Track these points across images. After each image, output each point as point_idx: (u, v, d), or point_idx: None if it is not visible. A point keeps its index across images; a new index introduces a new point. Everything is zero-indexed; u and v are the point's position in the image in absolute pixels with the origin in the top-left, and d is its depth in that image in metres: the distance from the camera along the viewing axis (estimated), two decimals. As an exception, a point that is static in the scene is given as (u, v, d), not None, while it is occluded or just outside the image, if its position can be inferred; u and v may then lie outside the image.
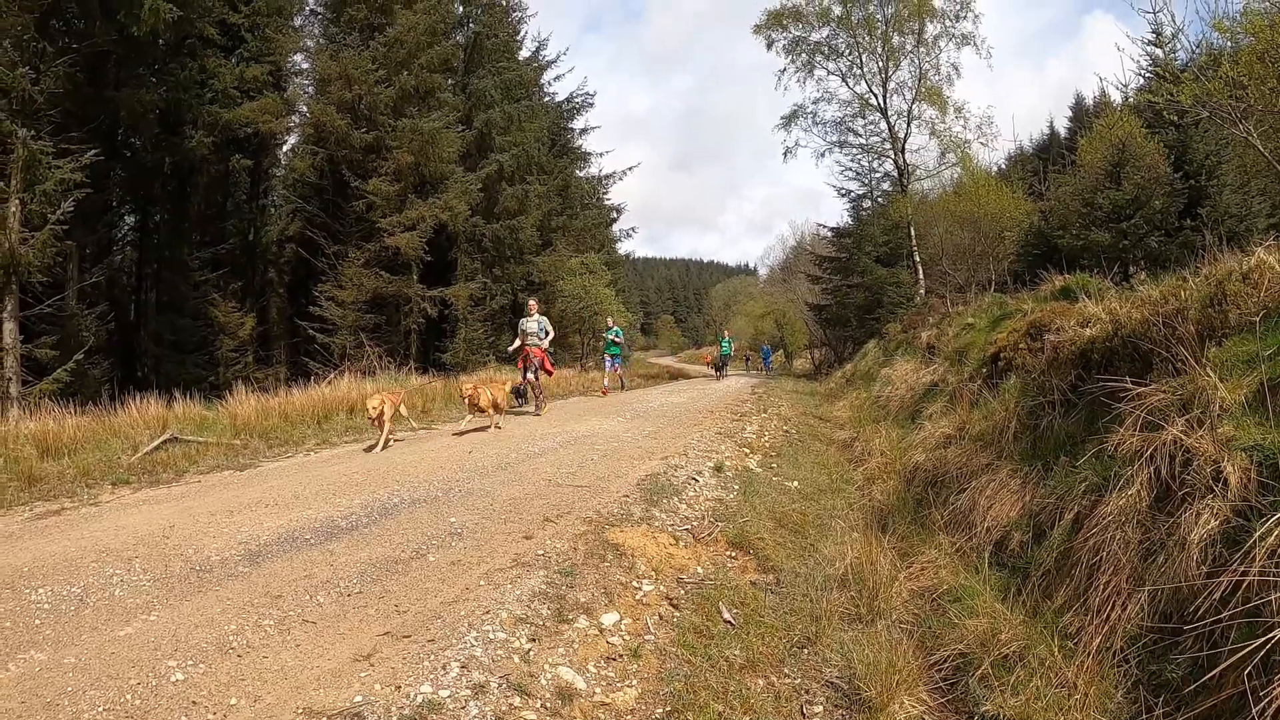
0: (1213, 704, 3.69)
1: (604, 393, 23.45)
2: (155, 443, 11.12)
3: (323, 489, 8.58)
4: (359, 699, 3.81)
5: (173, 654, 4.26)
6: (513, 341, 17.77)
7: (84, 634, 4.55)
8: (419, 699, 3.83)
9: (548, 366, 18.06)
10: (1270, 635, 3.50)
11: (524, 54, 39.38)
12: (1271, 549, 3.81)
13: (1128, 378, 5.91)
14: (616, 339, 25.38)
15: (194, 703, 3.77)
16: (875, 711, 4.34)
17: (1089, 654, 4.52)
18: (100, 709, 3.69)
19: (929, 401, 12.69)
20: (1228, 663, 3.66)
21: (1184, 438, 4.96)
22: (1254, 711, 3.36)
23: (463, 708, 3.83)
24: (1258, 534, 3.92)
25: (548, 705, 4.03)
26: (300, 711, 3.69)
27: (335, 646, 4.41)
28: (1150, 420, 5.38)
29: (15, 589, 5.25)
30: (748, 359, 62.14)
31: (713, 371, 49.07)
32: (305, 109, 30.55)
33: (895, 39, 33.47)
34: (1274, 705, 3.33)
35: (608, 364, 25.28)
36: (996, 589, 5.79)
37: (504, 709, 3.89)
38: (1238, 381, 5.06)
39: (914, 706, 4.56)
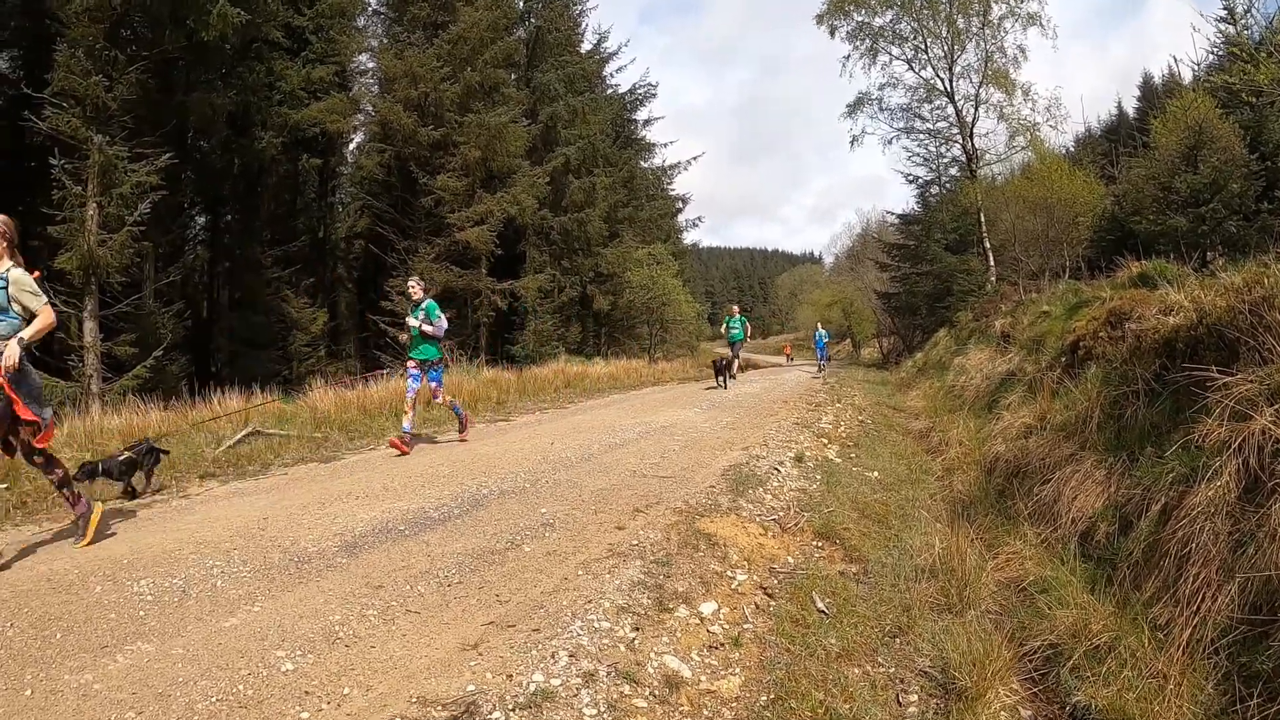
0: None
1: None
2: (238, 436, 11.42)
3: (410, 481, 8.78)
4: (471, 688, 3.91)
5: (280, 644, 4.38)
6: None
7: (189, 625, 4.67)
8: (532, 687, 3.94)
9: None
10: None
11: (585, 47, 39.59)
12: None
13: (1214, 367, 5.87)
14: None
15: (306, 692, 3.87)
16: (971, 700, 4.40)
17: (1179, 645, 4.52)
18: (213, 699, 3.78)
19: (1006, 391, 12.59)
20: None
21: (1274, 428, 4.95)
22: None
23: (575, 695, 3.93)
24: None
25: (656, 693, 4.14)
26: (414, 700, 3.79)
27: (441, 636, 4.53)
28: (1238, 410, 5.35)
29: (117, 580, 5.40)
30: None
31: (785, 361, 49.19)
32: (371, 108, 31.04)
33: (960, 21, 33.09)
34: None
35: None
36: (1084, 580, 5.81)
37: (615, 696, 4.00)
38: (1329, 371, 5.02)
39: (1008, 696, 4.63)
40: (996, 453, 9.81)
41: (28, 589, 5.27)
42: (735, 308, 27.66)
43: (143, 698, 3.80)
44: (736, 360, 25.72)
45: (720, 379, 22.62)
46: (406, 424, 10.93)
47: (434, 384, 11.36)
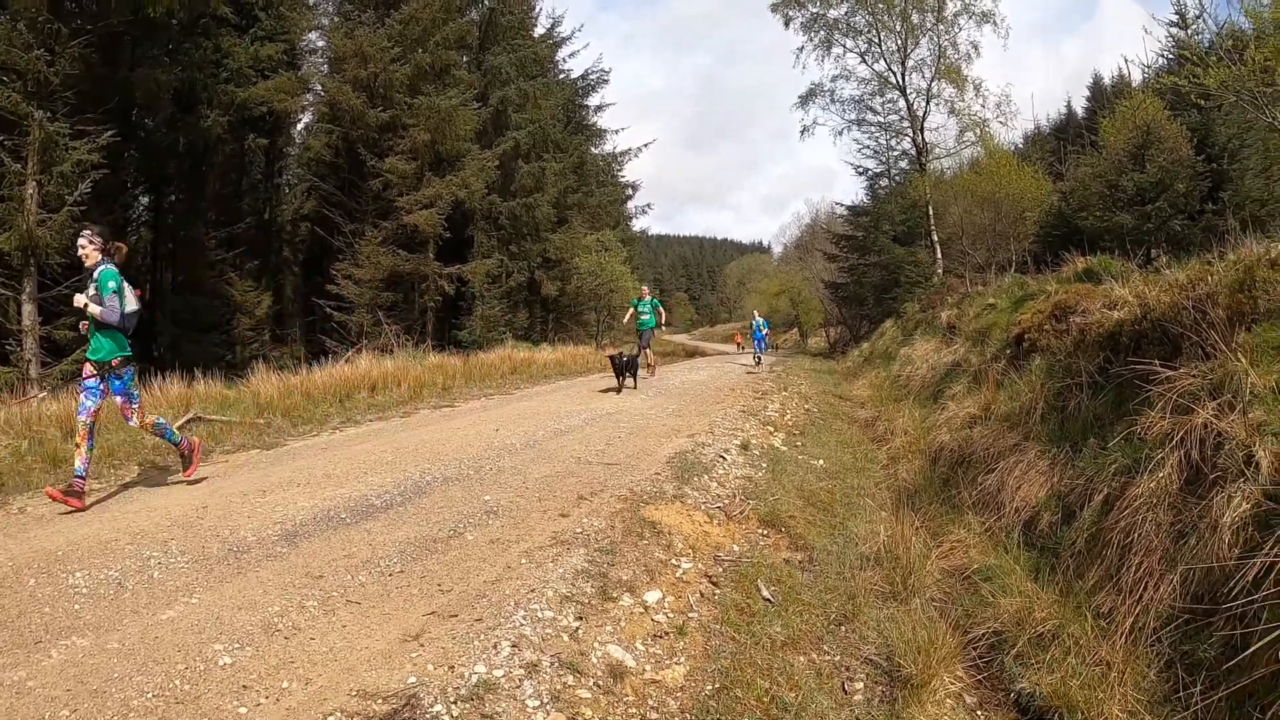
0: (1246, 683, 3.76)
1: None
2: (179, 422, 11.14)
3: (353, 468, 8.64)
4: (412, 680, 3.85)
5: (218, 637, 4.28)
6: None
7: (125, 618, 4.56)
8: (474, 679, 3.88)
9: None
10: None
11: (539, 31, 39.20)
12: None
13: (1157, 361, 5.97)
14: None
15: (244, 686, 3.78)
16: (917, 688, 4.42)
17: (1122, 633, 4.60)
18: (149, 694, 3.69)
19: (951, 381, 12.72)
20: (1261, 643, 3.73)
21: (1215, 421, 5.03)
22: None
23: (518, 687, 3.89)
24: (1292, 517, 3.99)
25: (600, 683, 4.10)
26: (354, 693, 3.73)
27: (382, 627, 4.45)
28: (1180, 404, 5.44)
29: (51, 574, 5.26)
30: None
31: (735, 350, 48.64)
32: (320, 87, 30.49)
33: (914, 16, 33.38)
34: None
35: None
36: (1027, 568, 5.88)
37: (558, 687, 3.96)
38: (1268, 367, 5.11)
39: (953, 683, 4.66)
40: (941, 442, 9.89)
41: None
42: (645, 289, 22.26)
43: (77, 695, 3.70)
44: (646, 352, 19.70)
45: (622, 379, 16.61)
46: (80, 464, 7.10)
47: (120, 399, 7.54)
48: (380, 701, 3.67)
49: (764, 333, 31.88)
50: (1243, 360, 5.19)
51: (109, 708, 3.59)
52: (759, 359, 29.69)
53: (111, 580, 5.14)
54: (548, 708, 3.79)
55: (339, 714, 3.57)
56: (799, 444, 11.25)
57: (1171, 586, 4.63)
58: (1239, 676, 3.83)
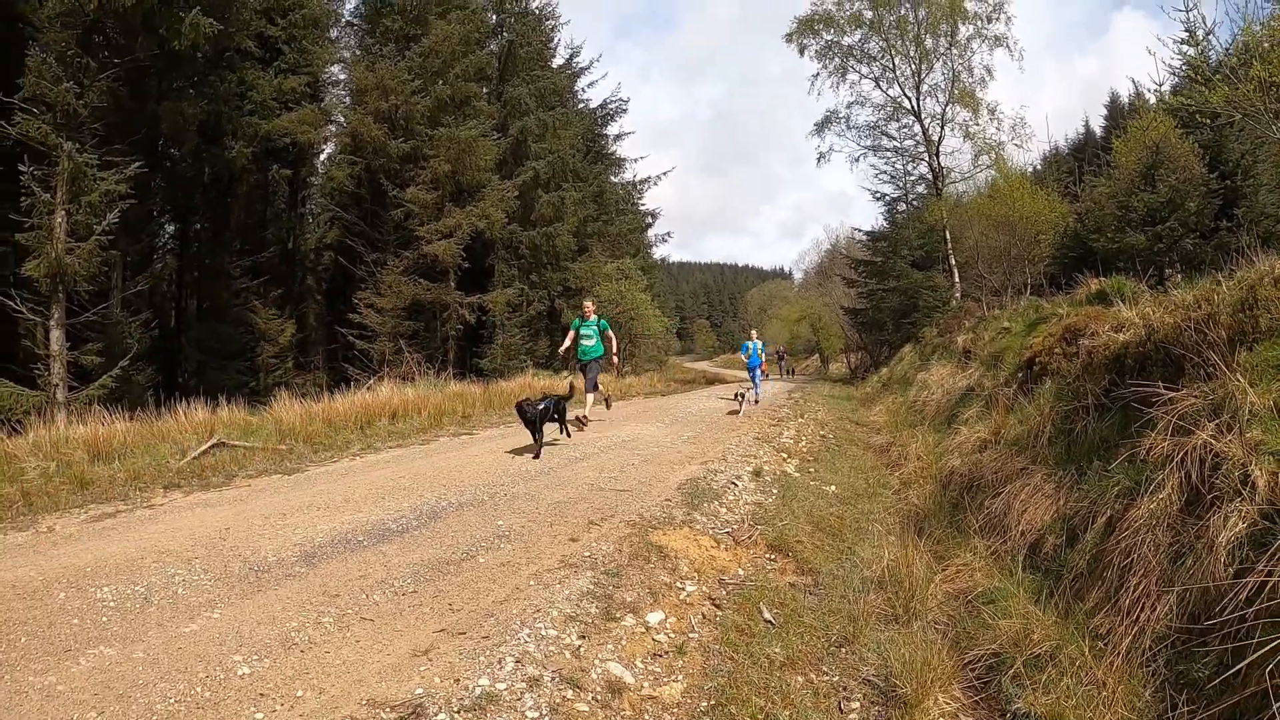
0: (1236, 701, 3.82)
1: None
2: (203, 447, 11.37)
3: (371, 493, 8.81)
4: (419, 691, 4.01)
5: (238, 649, 4.48)
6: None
7: (150, 630, 4.76)
8: (477, 691, 4.04)
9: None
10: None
11: (557, 61, 39.43)
12: None
13: (1160, 383, 6.01)
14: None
15: (261, 695, 3.97)
16: (910, 708, 4.50)
17: (1119, 654, 4.65)
18: (171, 700, 3.89)
19: (965, 406, 12.75)
20: (1252, 658, 3.78)
21: (1214, 442, 5.07)
22: (1275, 708, 3.49)
23: (519, 699, 4.04)
24: (1284, 536, 4.04)
25: (598, 698, 4.24)
26: (364, 703, 3.89)
27: (394, 642, 4.62)
28: (1181, 425, 5.49)
29: (80, 587, 5.47)
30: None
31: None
32: (342, 119, 30.84)
33: (928, 41, 33.57)
34: None
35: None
36: (1030, 591, 5.91)
37: (558, 700, 4.10)
38: (1267, 386, 5.15)
39: (948, 703, 4.72)
40: (952, 467, 9.94)
41: None
42: (589, 305, 16.66)
43: (104, 699, 3.89)
44: (593, 394, 15.33)
45: (537, 435, 11.32)
46: None
47: None
48: (388, 710, 3.82)
49: (761, 359, 22.01)
50: (1242, 380, 5.25)
51: (133, 711, 3.78)
52: (752, 396, 20.08)
53: (138, 595, 5.34)
54: (546, 719, 3.93)
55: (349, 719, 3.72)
56: (812, 470, 11.31)
57: (1168, 607, 4.68)
58: (1229, 695, 3.88)
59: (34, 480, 9.26)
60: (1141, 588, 4.96)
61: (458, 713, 3.85)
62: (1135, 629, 4.75)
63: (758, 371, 21.94)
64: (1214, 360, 5.64)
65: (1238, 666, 3.87)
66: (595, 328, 15.83)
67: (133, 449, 11.03)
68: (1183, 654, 4.38)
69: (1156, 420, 5.77)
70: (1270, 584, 3.97)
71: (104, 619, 4.93)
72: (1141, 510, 5.41)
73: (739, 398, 18.53)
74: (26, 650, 4.45)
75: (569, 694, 4.19)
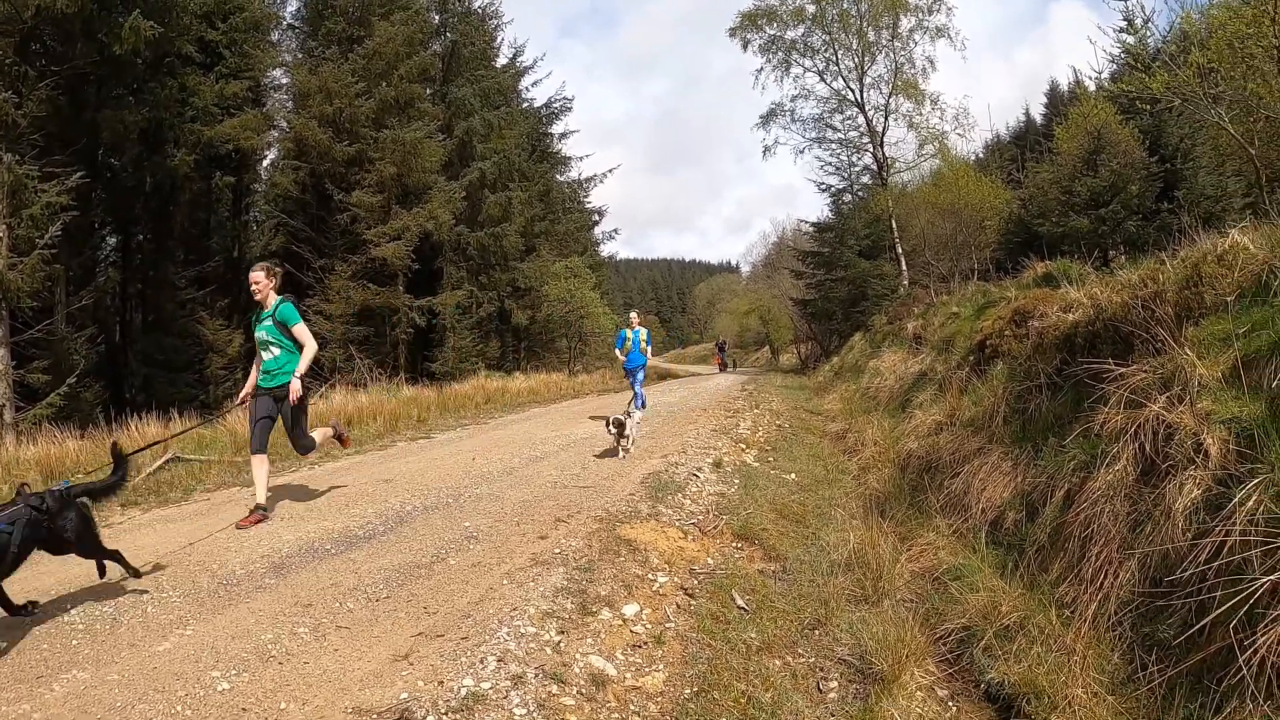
0: (1202, 657, 3.96)
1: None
2: (158, 463, 11.18)
3: (335, 501, 8.78)
4: (405, 695, 3.98)
5: (215, 665, 4.38)
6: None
7: (123, 651, 4.65)
8: (463, 692, 4.02)
9: None
10: (1252, 589, 3.74)
11: (501, 61, 39.38)
12: (1250, 513, 4.07)
13: (1110, 359, 6.18)
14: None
15: (244, 709, 3.89)
16: (888, 683, 4.58)
17: (1085, 620, 4.79)
18: None
19: (918, 390, 12.93)
20: (1214, 615, 3.93)
21: (1165, 414, 5.22)
22: (1240, 661, 3.61)
23: (505, 697, 4.03)
24: (1237, 499, 4.19)
25: (583, 691, 4.26)
26: (350, 711, 3.85)
27: (372, 649, 4.58)
28: (1133, 399, 5.63)
29: (46, 612, 5.33)
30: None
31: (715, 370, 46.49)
32: (285, 124, 30.43)
33: (870, 34, 33.77)
34: (1259, 655, 3.59)
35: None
36: (994, 566, 6.06)
37: (544, 696, 4.10)
38: (1215, 359, 5.32)
39: (923, 677, 4.83)
40: (909, 450, 10.09)
41: None
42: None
43: None
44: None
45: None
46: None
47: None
48: (375, 717, 3.79)
49: (646, 355, 15.96)
50: (1190, 353, 5.40)
51: None
52: (634, 418, 11.77)
53: (106, 616, 5.23)
54: (534, 715, 3.93)
55: None
56: (771, 459, 11.42)
57: (1130, 573, 4.82)
58: (1195, 652, 4.01)
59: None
60: (1103, 556, 5.10)
61: (445, 714, 3.84)
62: (1100, 595, 4.89)
63: (639, 376, 15.78)
64: (1162, 336, 5.80)
65: (1201, 624, 4.01)
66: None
67: (85, 468, 10.81)
68: (1147, 616, 4.52)
69: (1109, 395, 5.93)
70: (1227, 544, 4.10)
71: (74, 642, 4.81)
72: (1099, 482, 5.56)
73: (613, 426, 11.03)
74: None
75: (554, 689, 4.19)
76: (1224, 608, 3.85)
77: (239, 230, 32.97)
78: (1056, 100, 52.49)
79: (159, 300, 27.60)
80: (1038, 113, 59.06)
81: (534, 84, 47.36)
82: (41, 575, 6.28)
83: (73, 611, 5.32)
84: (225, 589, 5.74)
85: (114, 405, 20.38)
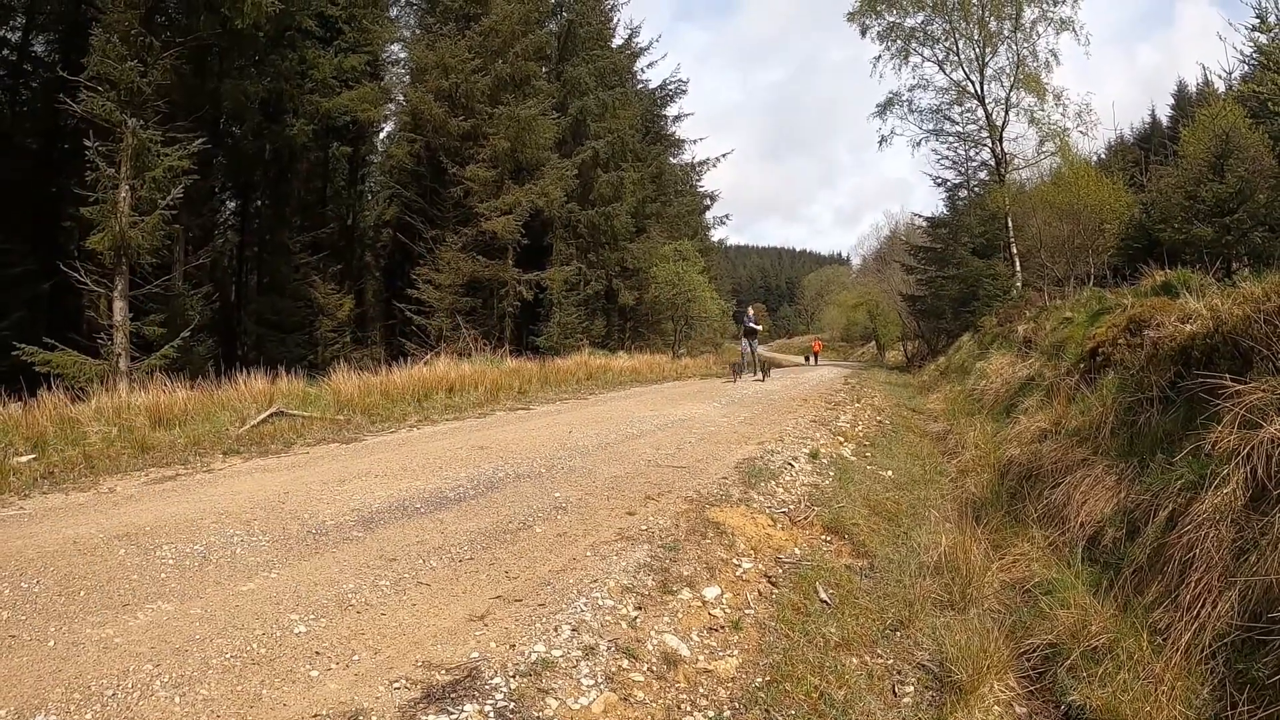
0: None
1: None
2: (262, 416, 11.59)
3: (429, 462, 8.94)
4: (475, 655, 4.07)
5: (294, 608, 4.55)
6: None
7: (208, 588, 4.86)
8: (534, 657, 4.09)
9: None
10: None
11: (616, 41, 39.48)
12: None
13: (1227, 375, 5.89)
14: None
15: (317, 653, 4.03)
16: (965, 694, 4.48)
17: (1178, 649, 4.57)
18: (227, 655, 3.96)
19: (1024, 395, 12.62)
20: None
21: (1281, 437, 4.98)
22: None
23: (574, 666, 4.09)
24: (1351, 534, 3.98)
25: (654, 669, 4.28)
26: (419, 664, 3.95)
27: (450, 607, 4.68)
28: (1248, 418, 5.38)
29: (140, 545, 5.60)
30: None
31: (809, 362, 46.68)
32: (402, 97, 31.15)
33: (992, 24, 32.84)
34: None
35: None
36: (1088, 583, 5.86)
37: (613, 669, 4.14)
38: (1339, 382, 5.04)
39: (1003, 691, 4.70)
40: (1010, 456, 9.84)
41: (54, 550, 5.47)
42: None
43: (160, 652, 3.97)
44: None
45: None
46: None
47: None
48: (443, 672, 3.88)
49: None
50: (1312, 375, 5.15)
51: (189, 664, 3.86)
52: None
53: (196, 554, 5.46)
54: (601, 687, 3.98)
55: (404, 681, 3.79)
56: (868, 455, 11.28)
57: (1229, 604, 4.61)
58: (1293, 691, 3.84)
59: (96, 444, 9.48)
60: (1203, 583, 4.89)
61: (513, 677, 3.90)
62: (1195, 625, 4.68)
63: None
64: (1286, 353, 5.54)
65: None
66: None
67: (193, 416, 11.25)
68: (1243, 652, 4.31)
69: (1223, 413, 5.66)
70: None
71: (162, 576, 5.03)
72: (1205, 504, 5.32)
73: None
74: (86, 604, 4.56)
75: (624, 663, 4.23)
76: None
77: (354, 199, 33.98)
78: (1184, 102, 50.52)
79: (274, 263, 28.69)
80: (1164, 114, 57.20)
81: (649, 65, 47.44)
82: (140, 512, 6.60)
83: (165, 548, 5.55)
84: (314, 538, 5.94)
85: (225, 361, 21.07)
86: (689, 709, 4.06)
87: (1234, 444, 5.37)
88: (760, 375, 23.63)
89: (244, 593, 4.80)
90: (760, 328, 25.85)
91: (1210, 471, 5.49)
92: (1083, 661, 4.83)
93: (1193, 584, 4.93)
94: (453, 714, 3.56)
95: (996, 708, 4.54)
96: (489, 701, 3.69)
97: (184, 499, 7.17)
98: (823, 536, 7.14)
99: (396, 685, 3.76)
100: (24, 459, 8.62)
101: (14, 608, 4.47)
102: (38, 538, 5.80)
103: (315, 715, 3.50)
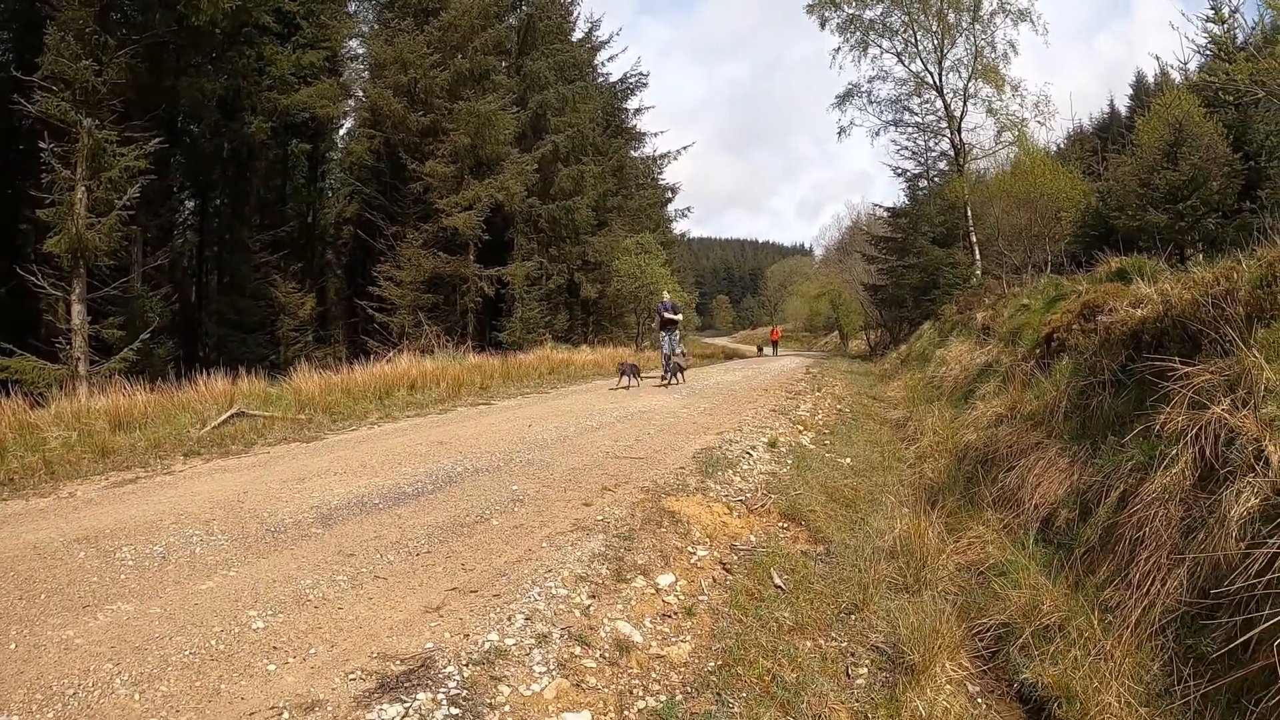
0: (1242, 675, 3.84)
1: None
2: (223, 417, 11.51)
3: (388, 459, 8.95)
4: (429, 645, 4.14)
5: (253, 605, 4.60)
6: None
7: (167, 588, 4.90)
8: (486, 645, 4.16)
9: None
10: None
11: (577, 35, 39.41)
12: None
13: (1177, 358, 5.97)
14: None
15: (274, 648, 4.10)
16: (917, 674, 4.53)
17: (1128, 626, 4.64)
18: (186, 652, 4.02)
19: (982, 381, 12.77)
20: (1262, 629, 3.79)
21: (1228, 417, 5.05)
22: None
23: (527, 654, 4.15)
24: (1295, 510, 4.04)
25: (606, 655, 4.34)
26: (375, 656, 4.02)
27: (406, 600, 4.74)
28: (1196, 400, 5.45)
29: (100, 548, 5.63)
30: None
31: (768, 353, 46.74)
32: (361, 93, 30.99)
33: (950, 15, 33.05)
34: None
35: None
36: (1041, 564, 5.94)
37: (565, 656, 4.21)
38: (1285, 363, 5.11)
39: (955, 671, 4.76)
40: (967, 441, 9.95)
41: (14, 555, 5.49)
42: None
43: (120, 651, 4.02)
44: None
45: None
46: None
47: None
48: (398, 663, 3.95)
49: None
50: (1259, 356, 5.21)
51: (149, 661, 3.91)
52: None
53: (156, 555, 5.49)
54: (554, 673, 4.04)
55: (359, 673, 3.85)
56: (828, 443, 11.38)
57: (1178, 581, 4.68)
58: (1237, 669, 3.89)
59: (56, 449, 9.41)
60: (1152, 561, 4.96)
61: (466, 665, 3.97)
62: (1145, 602, 4.75)
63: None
64: (1231, 336, 5.61)
65: (1246, 637, 3.88)
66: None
67: (153, 419, 11.15)
68: (1191, 628, 4.38)
69: (1172, 395, 5.73)
70: (1280, 558, 3.97)
71: (122, 577, 5.07)
72: (1154, 484, 5.40)
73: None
74: (46, 606, 4.59)
75: (577, 650, 4.28)
76: (1271, 622, 3.74)
77: (314, 196, 33.75)
78: (1142, 91, 51.18)
79: (234, 263, 28.50)
80: (1123, 105, 57.74)
81: (610, 59, 47.40)
82: (100, 515, 6.55)
83: (124, 550, 5.56)
84: (272, 536, 5.97)
85: (186, 362, 20.93)
86: (641, 693, 4.10)
87: (1182, 425, 5.45)
88: (670, 377, 19.15)
89: (203, 591, 4.83)
90: (680, 317, 21.62)
91: (1160, 452, 5.58)
92: (1034, 640, 4.90)
93: (1142, 562, 5.01)
94: (406, 702, 3.62)
95: (949, 686, 4.59)
96: (441, 690, 3.75)
97: (144, 501, 7.16)
98: (779, 524, 7.20)
99: (352, 677, 3.82)
100: (-18, 467, 8.54)
101: (-27, 612, 4.46)
102: (-1, 542, 5.77)
103: (273, 708, 3.55)
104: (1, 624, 4.33)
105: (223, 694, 3.67)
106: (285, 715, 3.51)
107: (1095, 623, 4.80)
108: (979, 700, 4.69)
